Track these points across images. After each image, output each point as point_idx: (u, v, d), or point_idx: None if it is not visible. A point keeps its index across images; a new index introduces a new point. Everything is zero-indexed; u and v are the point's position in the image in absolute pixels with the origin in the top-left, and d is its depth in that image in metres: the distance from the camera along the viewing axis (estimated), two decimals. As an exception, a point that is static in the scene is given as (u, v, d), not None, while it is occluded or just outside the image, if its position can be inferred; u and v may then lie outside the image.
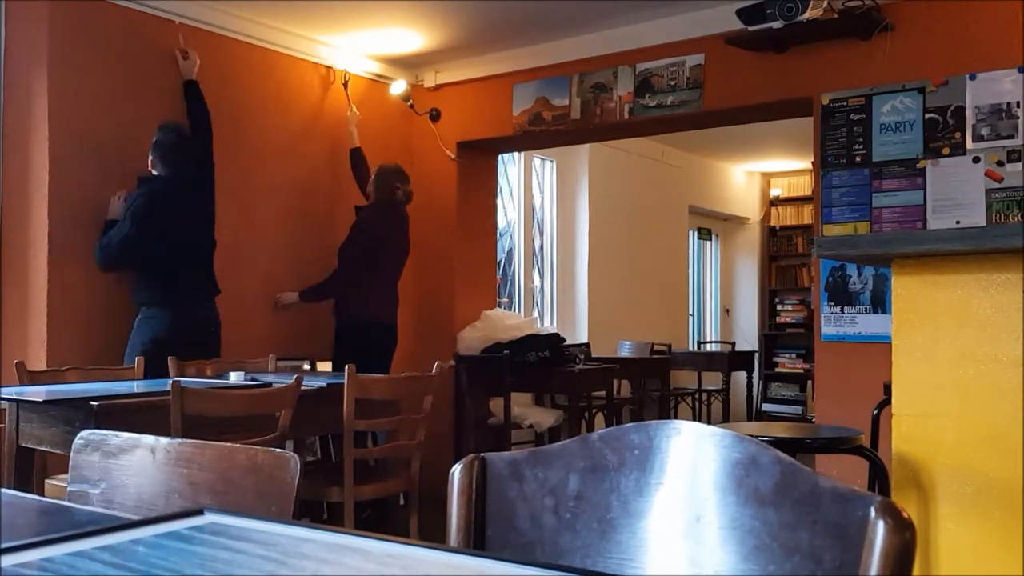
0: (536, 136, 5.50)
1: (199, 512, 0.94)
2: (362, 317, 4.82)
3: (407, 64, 5.69)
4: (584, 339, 7.14)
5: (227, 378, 3.67)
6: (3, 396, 3.09)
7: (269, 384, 3.40)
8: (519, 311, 7.06)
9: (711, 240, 9.91)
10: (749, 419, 9.00)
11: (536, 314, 7.30)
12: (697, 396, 8.37)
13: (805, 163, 8.58)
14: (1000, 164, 3.97)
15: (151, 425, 2.33)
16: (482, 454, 1.08)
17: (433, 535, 1.19)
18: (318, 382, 3.60)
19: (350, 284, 4.82)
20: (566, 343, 5.93)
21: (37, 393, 3.05)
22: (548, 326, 7.18)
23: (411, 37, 5.19)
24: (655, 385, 7.33)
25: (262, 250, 4.97)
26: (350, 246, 4.88)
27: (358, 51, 5.42)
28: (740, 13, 4.31)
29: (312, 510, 3.92)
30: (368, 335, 4.81)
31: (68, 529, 0.85)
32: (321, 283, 4.91)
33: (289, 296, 4.95)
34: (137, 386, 3.40)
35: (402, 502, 4.07)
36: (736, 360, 8.37)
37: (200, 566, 0.79)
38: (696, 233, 9.57)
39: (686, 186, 8.88)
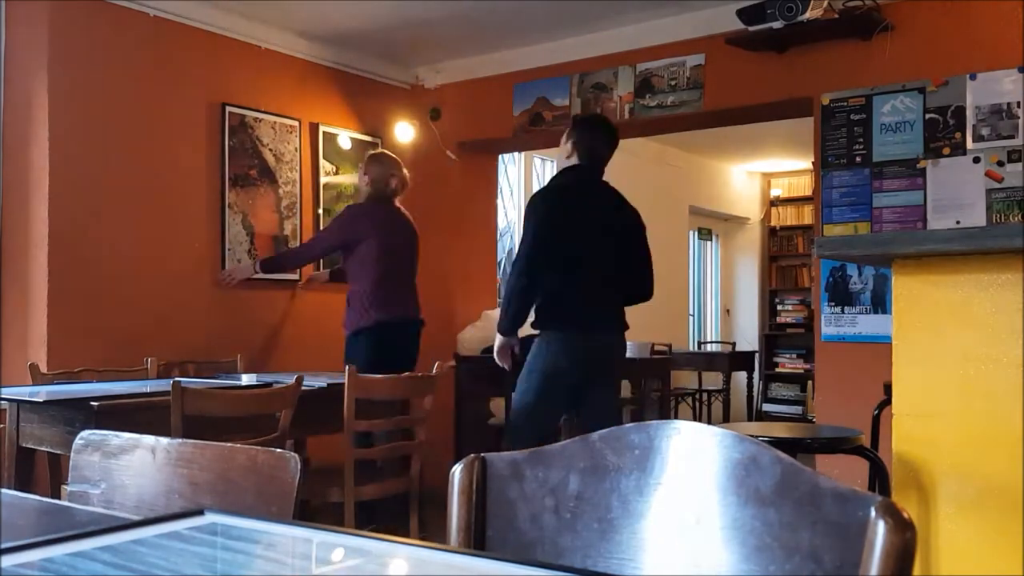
0: (536, 136, 5.50)
1: (199, 512, 0.94)
2: (379, 318, 4.43)
3: (407, 64, 5.69)
4: (584, 339, 7.12)
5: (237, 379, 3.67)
6: (3, 396, 3.09)
7: (269, 384, 3.40)
8: (519, 311, 7.04)
9: (711, 240, 9.91)
10: (749, 419, 8.99)
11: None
12: (697, 396, 8.36)
13: (805, 163, 8.58)
14: (1000, 164, 3.96)
15: (151, 425, 2.34)
16: (482, 454, 1.08)
17: (433, 535, 1.20)
18: (318, 382, 3.60)
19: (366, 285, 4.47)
20: (566, 343, 5.92)
21: (37, 393, 3.06)
22: (548, 326, 7.16)
23: (411, 36, 5.19)
24: (655, 385, 7.32)
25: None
26: (325, 234, 4.72)
27: (358, 51, 5.42)
28: (740, 13, 4.31)
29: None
30: (386, 335, 4.46)
31: (68, 529, 0.85)
32: (286, 253, 4.82)
33: (242, 270, 4.72)
34: (139, 387, 3.40)
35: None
36: (736, 360, 8.36)
37: (200, 566, 0.79)
38: (696, 233, 9.56)
39: (686, 186, 8.88)
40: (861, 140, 4.31)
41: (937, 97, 4.12)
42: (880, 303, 4.28)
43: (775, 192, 10.10)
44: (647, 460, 0.99)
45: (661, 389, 7.30)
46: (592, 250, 3.71)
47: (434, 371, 3.72)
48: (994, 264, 1.72)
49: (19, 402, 3.05)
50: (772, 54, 4.54)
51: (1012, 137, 3.95)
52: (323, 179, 5.34)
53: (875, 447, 3.28)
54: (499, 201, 6.46)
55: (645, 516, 0.98)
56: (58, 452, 3.10)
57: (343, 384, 3.39)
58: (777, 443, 1.93)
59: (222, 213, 4.77)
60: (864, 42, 4.29)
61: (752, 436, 0.95)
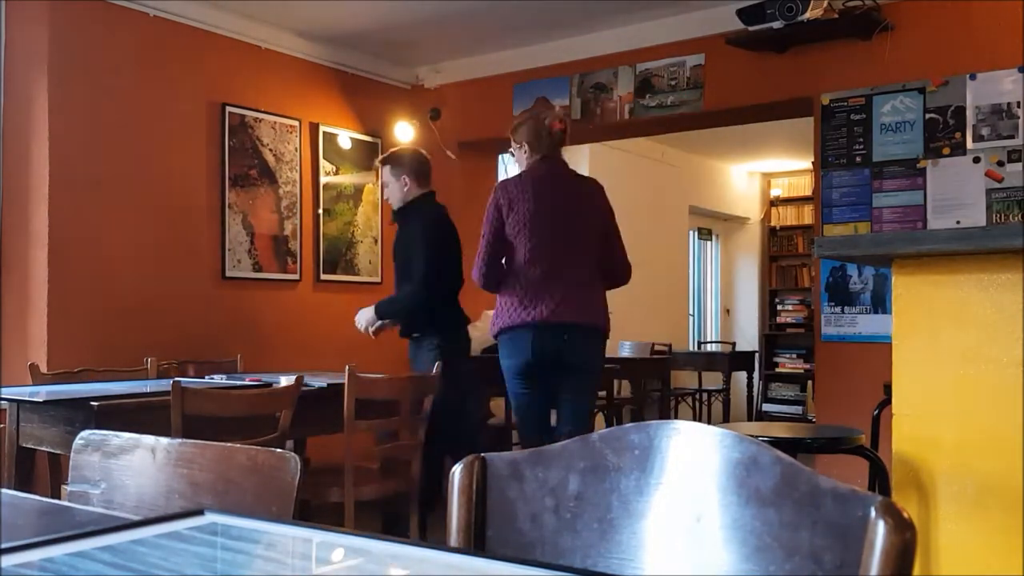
0: (536, 136, 5.49)
1: (199, 512, 0.94)
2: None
3: (407, 64, 5.69)
4: (584, 339, 7.12)
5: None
6: (3, 396, 3.09)
7: (269, 384, 3.40)
8: (519, 311, 7.04)
9: (711, 240, 9.91)
10: (749, 419, 8.99)
11: (536, 314, 7.27)
12: (697, 396, 8.36)
13: (805, 163, 8.57)
14: (1000, 164, 3.96)
15: (151, 425, 2.33)
16: (482, 454, 1.08)
17: (433, 535, 1.19)
18: (318, 382, 3.60)
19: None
20: (566, 343, 5.91)
21: (37, 393, 3.05)
22: (548, 326, 7.15)
23: (411, 36, 5.19)
24: (655, 385, 7.32)
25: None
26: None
27: (358, 51, 5.42)
28: (740, 13, 4.31)
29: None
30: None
31: (68, 529, 0.85)
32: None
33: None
34: (139, 387, 3.40)
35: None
36: (736, 360, 8.36)
37: (200, 566, 0.79)
38: (696, 233, 9.56)
39: (686, 186, 8.87)
40: (861, 140, 4.31)
41: (937, 97, 4.12)
42: (880, 303, 4.28)
43: (775, 192, 10.09)
44: (647, 460, 0.99)
45: (661, 389, 7.30)
46: None
47: (434, 371, 3.72)
48: (994, 264, 1.72)
49: (19, 402, 3.04)
50: (772, 54, 4.54)
51: (1012, 137, 3.95)
52: (323, 179, 5.34)
53: (875, 447, 3.28)
54: (499, 201, 6.45)
55: (645, 516, 0.98)
56: (58, 452, 3.09)
57: (343, 384, 3.39)
58: (777, 443, 1.93)
59: (222, 213, 4.77)
60: (864, 42, 4.29)
61: (752, 436, 0.95)
